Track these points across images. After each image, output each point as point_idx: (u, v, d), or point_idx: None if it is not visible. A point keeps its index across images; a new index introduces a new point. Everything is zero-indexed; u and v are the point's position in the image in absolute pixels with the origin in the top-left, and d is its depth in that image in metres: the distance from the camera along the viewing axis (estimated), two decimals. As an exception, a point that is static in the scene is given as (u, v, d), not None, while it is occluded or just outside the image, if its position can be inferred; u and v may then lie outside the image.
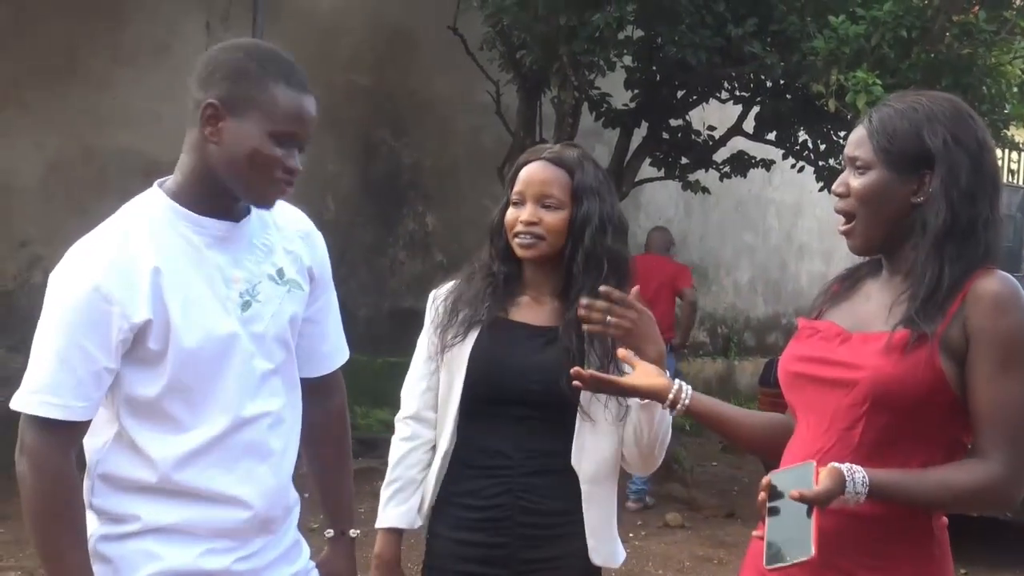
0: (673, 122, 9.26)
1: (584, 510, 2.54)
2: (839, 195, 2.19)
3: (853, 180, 2.15)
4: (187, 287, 2.01)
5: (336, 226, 8.68)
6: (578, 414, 2.54)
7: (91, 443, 2.08)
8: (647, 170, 9.36)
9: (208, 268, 2.04)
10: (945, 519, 2.15)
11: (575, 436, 2.55)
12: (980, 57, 7.67)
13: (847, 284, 2.28)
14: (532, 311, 2.62)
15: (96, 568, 2.01)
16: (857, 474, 1.94)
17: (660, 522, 7.50)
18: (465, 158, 9.95)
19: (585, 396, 2.51)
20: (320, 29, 9.22)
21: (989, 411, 2.01)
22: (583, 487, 2.55)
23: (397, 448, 2.65)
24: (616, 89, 8.94)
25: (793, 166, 9.56)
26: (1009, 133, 9.05)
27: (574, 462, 2.55)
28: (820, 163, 9.22)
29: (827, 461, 2.04)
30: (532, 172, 2.59)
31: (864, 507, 1.99)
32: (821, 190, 9.41)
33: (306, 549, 2.28)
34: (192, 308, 2.00)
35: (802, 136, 9.25)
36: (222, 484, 2.05)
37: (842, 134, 8.90)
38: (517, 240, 2.57)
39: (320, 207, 8.78)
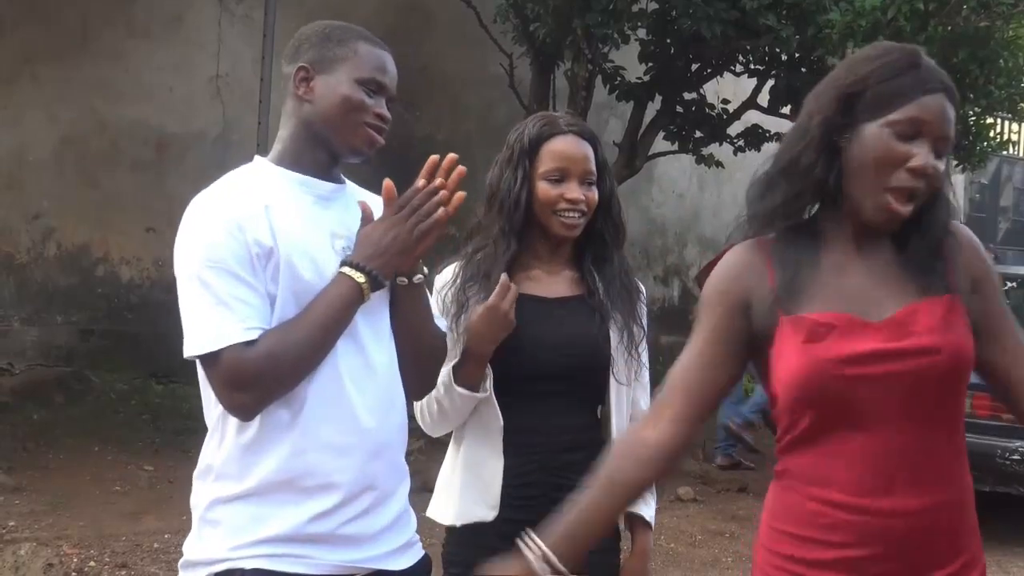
0: (687, 95, 9.22)
1: None
2: (927, 175, 1.89)
3: (939, 164, 1.90)
4: (295, 228, 2.05)
5: (349, 199, 8.68)
6: (611, 382, 2.53)
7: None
8: (661, 144, 9.33)
9: (314, 222, 2.10)
10: None
11: (613, 406, 2.54)
12: (997, 30, 7.64)
13: (800, 270, 1.96)
14: (545, 284, 2.59)
15: (206, 532, 2.05)
16: None
17: (672, 496, 7.50)
18: (478, 131, 9.92)
19: (617, 362, 2.52)
20: (333, 2, 9.18)
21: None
22: None
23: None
24: (630, 62, 8.90)
25: (807, 140, 9.51)
26: (1025, 107, 8.99)
27: (616, 431, 2.53)
28: (834, 137, 9.18)
29: (910, 460, 1.89)
30: (571, 149, 2.54)
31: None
32: (835, 164, 9.37)
33: (414, 520, 2.24)
34: (301, 246, 2.04)
35: (817, 109, 9.19)
36: (328, 431, 2.04)
37: (857, 108, 8.84)
38: (564, 218, 2.52)
39: (333, 180, 8.79)
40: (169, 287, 8.10)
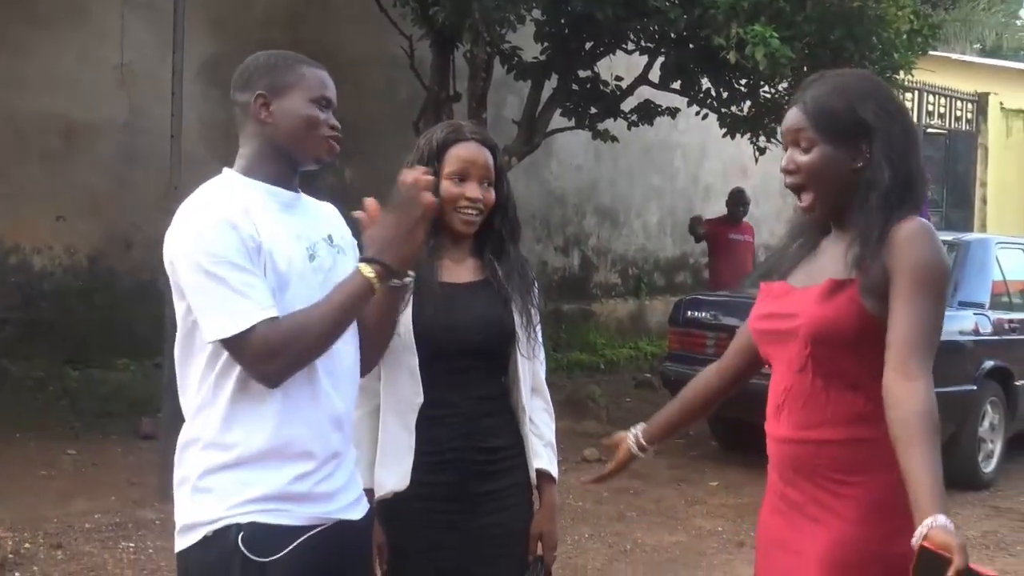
0: (582, 73, 9.54)
1: (524, 436, 2.93)
2: (789, 172, 2.43)
3: (800, 157, 2.41)
4: (272, 229, 2.35)
5: (257, 182, 8.84)
6: (518, 356, 2.89)
7: (208, 383, 2.34)
8: (558, 120, 9.66)
9: (283, 224, 2.40)
10: None
11: (520, 376, 2.91)
12: (870, 8, 8.07)
13: (807, 248, 2.56)
14: (453, 271, 2.92)
15: (199, 498, 2.34)
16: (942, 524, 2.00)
17: (578, 457, 7.88)
18: (380, 112, 10.14)
19: (521, 339, 2.88)
20: (234, -11, 9.32)
21: (902, 330, 2.22)
22: (524, 418, 2.93)
23: None
24: (527, 42, 9.19)
25: (697, 113, 9.91)
26: (899, 78, 9.50)
27: (524, 398, 2.91)
28: (723, 110, 9.59)
29: (791, 400, 2.41)
30: (472, 153, 2.87)
31: (828, 433, 2.36)
32: (725, 135, 9.80)
33: (360, 479, 2.59)
34: (279, 243, 2.35)
35: (705, 84, 9.59)
36: (302, 409, 2.36)
37: (743, 82, 9.28)
38: (462, 215, 2.86)
39: (240, 164, 8.93)
40: (79, 274, 8.30)
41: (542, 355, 3.01)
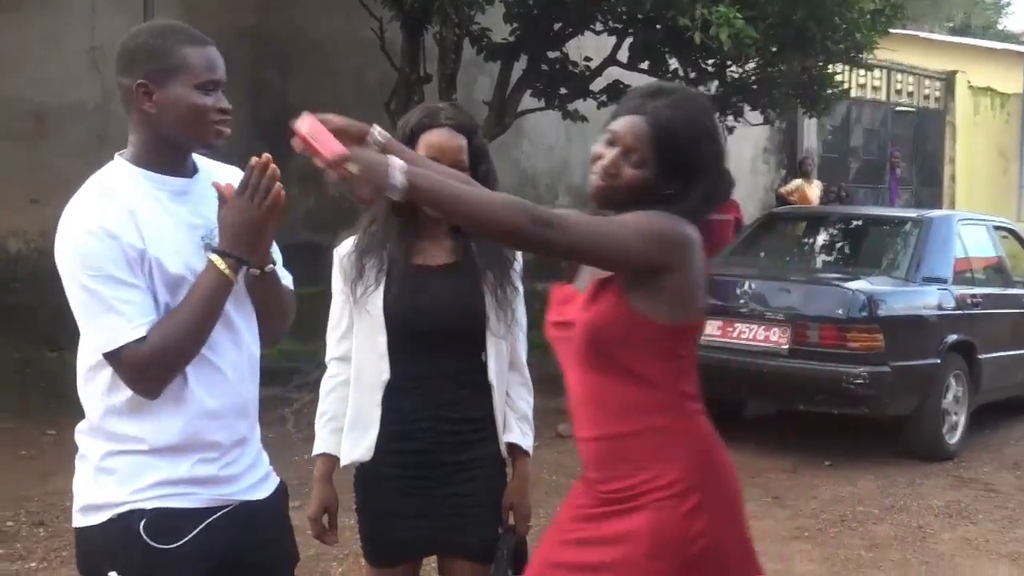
0: (551, 54, 9.59)
1: (496, 410, 3.00)
2: (610, 175, 2.37)
3: (627, 169, 2.35)
4: (159, 228, 2.33)
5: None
6: (487, 335, 2.95)
7: (101, 378, 2.33)
8: (528, 100, 9.71)
9: (173, 218, 2.37)
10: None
11: (492, 354, 2.97)
12: (832, -9, 8.21)
13: None
14: (430, 253, 2.98)
15: (102, 479, 2.34)
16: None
17: (552, 433, 7.97)
18: (351, 94, 10.15)
19: (491, 318, 2.95)
20: (204, -29, 9.32)
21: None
22: (495, 393, 3.00)
23: (325, 385, 3.06)
24: (496, 23, 9.24)
25: (666, 93, 9.97)
26: (864, 56, 9.62)
27: (495, 374, 2.98)
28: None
29: (586, 400, 2.46)
30: (443, 140, 2.92)
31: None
32: (692, 115, 9.88)
33: (266, 458, 2.60)
34: (167, 244, 2.33)
35: (673, 64, 9.66)
36: (208, 402, 2.37)
37: (710, 62, 9.38)
38: None
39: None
40: (54, 257, 8.21)
41: (521, 332, 3.06)
